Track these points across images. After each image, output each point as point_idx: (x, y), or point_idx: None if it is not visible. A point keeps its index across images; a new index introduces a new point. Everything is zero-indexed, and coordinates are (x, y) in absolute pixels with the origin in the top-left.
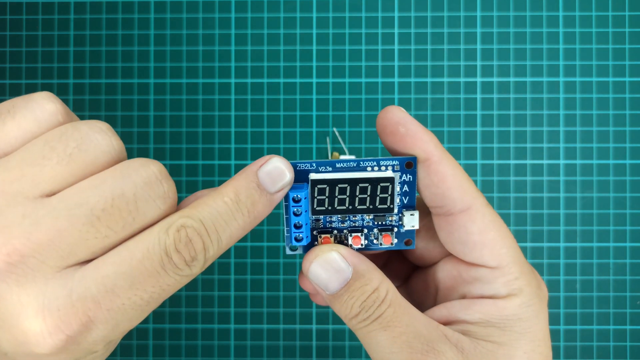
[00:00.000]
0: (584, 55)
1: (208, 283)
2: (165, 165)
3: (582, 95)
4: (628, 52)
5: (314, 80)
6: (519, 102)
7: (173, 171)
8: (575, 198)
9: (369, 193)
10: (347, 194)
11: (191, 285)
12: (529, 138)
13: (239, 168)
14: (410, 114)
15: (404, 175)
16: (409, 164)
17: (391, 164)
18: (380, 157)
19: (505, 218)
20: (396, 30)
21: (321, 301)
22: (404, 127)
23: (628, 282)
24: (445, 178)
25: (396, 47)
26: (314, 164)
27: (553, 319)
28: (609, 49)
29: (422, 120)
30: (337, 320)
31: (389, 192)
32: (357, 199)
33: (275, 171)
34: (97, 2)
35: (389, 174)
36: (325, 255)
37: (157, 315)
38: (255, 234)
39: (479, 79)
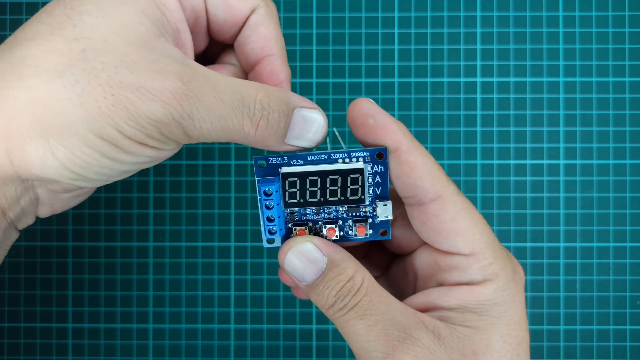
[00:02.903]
0: (584, 55)
1: (208, 283)
2: (164, 165)
3: (582, 95)
4: (628, 52)
5: (314, 80)
6: (519, 102)
7: (173, 171)
8: (575, 198)
9: (339, 185)
10: (318, 186)
11: (191, 285)
12: (529, 138)
13: (239, 168)
14: (410, 114)
15: (376, 166)
16: (380, 155)
17: (362, 155)
18: (351, 149)
19: (505, 218)
20: (396, 30)
21: (303, 295)
22: (372, 119)
23: (628, 282)
24: (415, 167)
25: (396, 47)
26: (286, 158)
27: (553, 319)
28: (609, 49)
29: (422, 120)
30: None
31: (360, 183)
32: (328, 190)
33: (313, 133)
34: None
35: (358, 165)
36: (299, 246)
37: (157, 315)
38: (255, 234)
39: (479, 79)
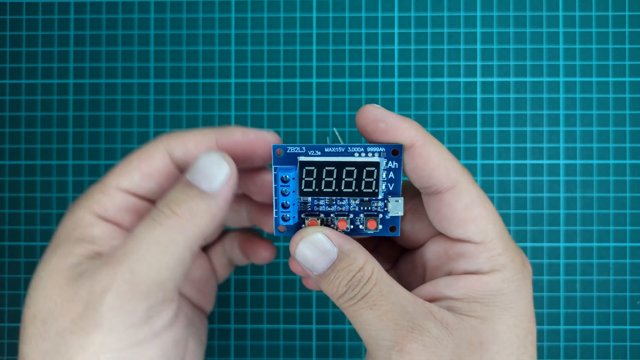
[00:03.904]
0: (584, 55)
1: None
2: None
3: (582, 95)
4: (628, 52)
5: (314, 80)
6: (519, 102)
7: None
8: (575, 198)
9: (354, 177)
10: (334, 176)
11: None
12: (529, 138)
13: None
14: (411, 114)
15: (390, 162)
16: (395, 152)
17: (378, 150)
18: (367, 144)
19: (505, 218)
20: (396, 30)
21: (313, 285)
22: (383, 123)
23: (628, 282)
24: (430, 159)
25: (396, 47)
26: (304, 148)
27: (553, 319)
28: (609, 49)
29: (422, 120)
30: (337, 320)
31: (374, 177)
32: (343, 182)
33: (206, 167)
34: (97, 2)
35: (374, 158)
36: (311, 237)
37: None
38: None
39: (479, 79)
